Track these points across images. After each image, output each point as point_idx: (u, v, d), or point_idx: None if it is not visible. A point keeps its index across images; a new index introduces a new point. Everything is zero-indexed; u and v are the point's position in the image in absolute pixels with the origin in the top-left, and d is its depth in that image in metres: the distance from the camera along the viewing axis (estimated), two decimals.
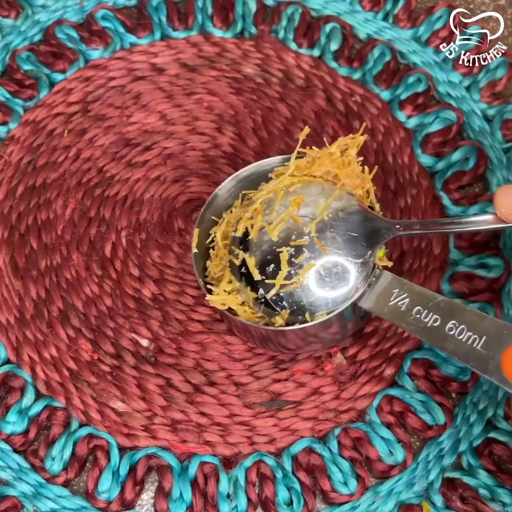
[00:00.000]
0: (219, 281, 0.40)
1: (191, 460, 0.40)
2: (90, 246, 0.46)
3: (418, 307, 0.36)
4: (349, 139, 0.40)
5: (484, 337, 0.33)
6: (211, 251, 0.42)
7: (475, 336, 0.34)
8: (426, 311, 0.36)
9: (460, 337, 0.34)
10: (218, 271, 0.40)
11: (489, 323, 0.34)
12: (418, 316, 0.36)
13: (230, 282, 0.39)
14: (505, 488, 0.39)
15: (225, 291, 0.39)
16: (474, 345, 0.34)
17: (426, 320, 0.35)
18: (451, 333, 0.34)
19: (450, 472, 0.40)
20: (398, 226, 0.38)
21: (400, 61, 0.53)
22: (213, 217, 0.42)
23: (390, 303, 0.37)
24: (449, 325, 0.35)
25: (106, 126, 0.50)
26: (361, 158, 0.40)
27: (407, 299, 0.36)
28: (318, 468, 0.40)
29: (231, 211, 0.42)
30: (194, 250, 0.41)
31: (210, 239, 0.42)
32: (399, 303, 0.36)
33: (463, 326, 0.34)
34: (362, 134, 0.39)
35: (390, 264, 0.39)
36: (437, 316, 0.35)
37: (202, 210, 0.42)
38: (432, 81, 0.51)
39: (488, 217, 0.37)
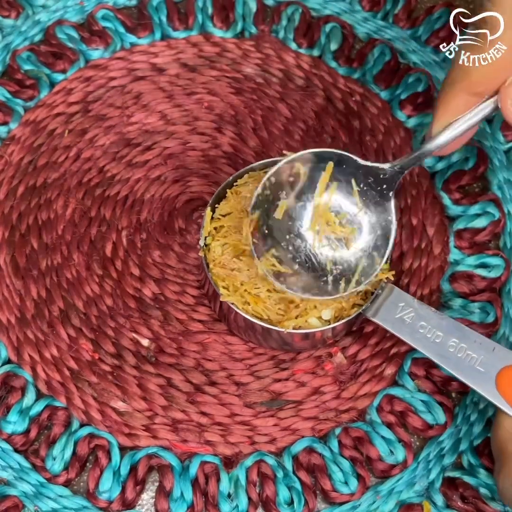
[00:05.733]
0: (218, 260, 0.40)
1: (192, 459, 0.40)
2: (90, 246, 0.46)
3: (423, 323, 0.38)
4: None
5: (482, 357, 0.37)
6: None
7: (474, 355, 0.37)
8: (429, 327, 0.38)
9: (459, 355, 0.37)
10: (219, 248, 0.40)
11: (487, 344, 0.37)
12: (422, 331, 0.38)
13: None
14: None
15: (226, 289, 0.39)
16: (472, 363, 0.37)
17: (429, 336, 0.38)
18: (451, 350, 0.37)
19: (450, 472, 0.40)
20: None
21: (400, 60, 0.52)
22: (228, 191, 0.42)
23: (396, 316, 0.39)
24: (450, 342, 0.37)
25: (107, 126, 0.50)
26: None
27: (413, 314, 0.38)
28: (318, 467, 0.40)
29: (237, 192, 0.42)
30: (205, 234, 0.41)
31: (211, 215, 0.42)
32: (404, 317, 0.39)
33: (463, 345, 0.37)
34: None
35: (391, 275, 0.40)
36: (440, 333, 0.38)
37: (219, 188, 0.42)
38: (432, 80, 0.51)
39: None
